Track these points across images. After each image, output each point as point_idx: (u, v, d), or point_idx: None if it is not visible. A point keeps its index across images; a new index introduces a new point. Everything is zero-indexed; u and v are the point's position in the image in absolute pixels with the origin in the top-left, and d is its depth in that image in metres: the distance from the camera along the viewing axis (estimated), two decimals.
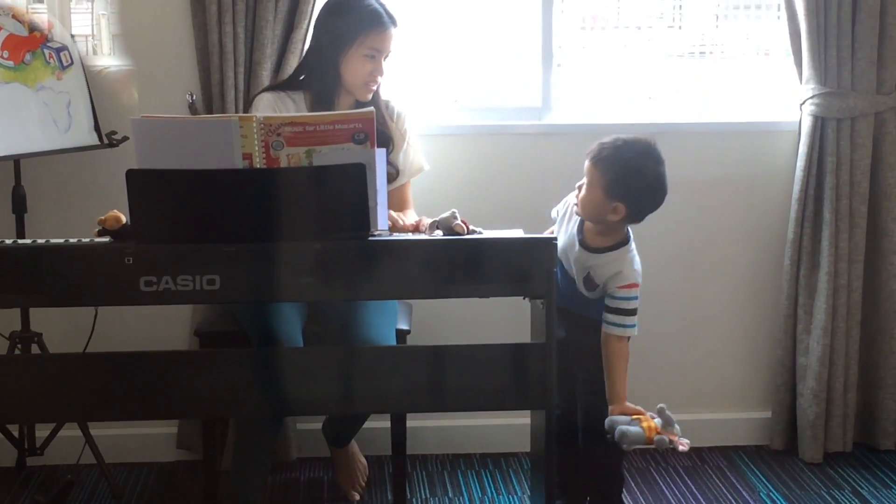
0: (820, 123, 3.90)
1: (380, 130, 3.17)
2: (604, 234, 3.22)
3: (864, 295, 4.02)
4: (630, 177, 3.14)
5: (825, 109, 3.87)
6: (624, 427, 3.02)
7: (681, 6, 4.71)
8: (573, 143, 3.98)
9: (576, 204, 3.23)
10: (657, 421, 3.02)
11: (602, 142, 3.19)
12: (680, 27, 4.72)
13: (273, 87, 3.59)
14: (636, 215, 3.20)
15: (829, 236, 3.92)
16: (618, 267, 3.19)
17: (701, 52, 4.71)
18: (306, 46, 3.67)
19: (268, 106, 3.47)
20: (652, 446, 3.00)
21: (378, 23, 3.45)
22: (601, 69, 4.42)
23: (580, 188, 3.21)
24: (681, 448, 3.01)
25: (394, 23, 3.49)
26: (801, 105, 3.93)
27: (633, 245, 3.24)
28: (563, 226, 3.34)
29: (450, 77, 4.15)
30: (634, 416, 3.05)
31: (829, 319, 3.94)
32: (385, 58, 3.49)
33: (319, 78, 3.50)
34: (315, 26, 3.56)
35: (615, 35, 4.57)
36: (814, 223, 3.96)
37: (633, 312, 3.19)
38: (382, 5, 3.50)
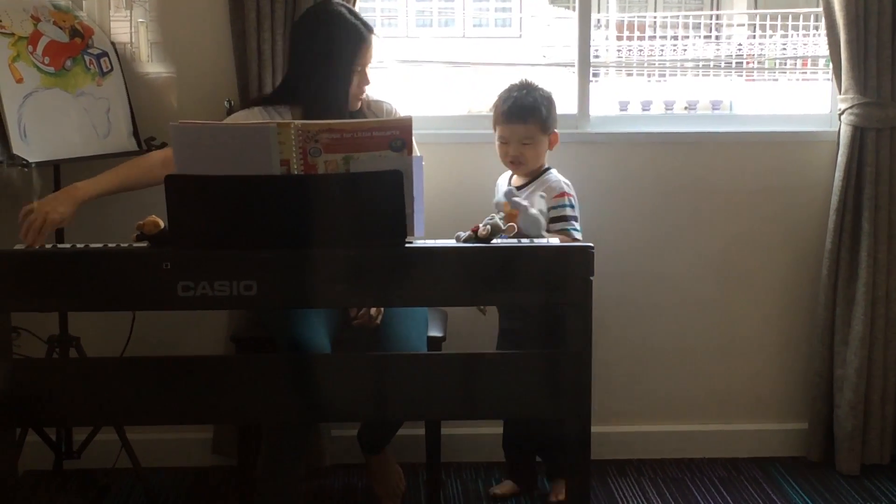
0: (859, 134, 3.88)
1: None
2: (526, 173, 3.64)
3: None
4: (549, 105, 3.61)
5: (864, 119, 3.85)
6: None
7: (718, 17, 4.70)
8: (610, 152, 4.00)
9: (521, 165, 3.58)
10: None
11: (509, 105, 3.57)
12: (717, 37, 4.71)
13: (260, 101, 3.57)
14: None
15: (868, 247, 3.89)
16: (548, 182, 3.58)
17: (738, 63, 4.70)
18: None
19: (249, 119, 3.43)
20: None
21: (359, 40, 3.43)
22: (638, 78, 4.42)
23: (519, 155, 3.56)
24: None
25: (371, 31, 3.48)
26: (841, 115, 3.90)
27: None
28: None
29: (486, 85, 4.16)
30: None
31: (866, 331, 3.92)
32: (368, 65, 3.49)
33: (318, 96, 3.45)
34: (294, 46, 3.54)
35: (652, 45, 4.56)
36: (852, 234, 3.93)
37: (575, 218, 3.57)
38: (357, 16, 3.48)
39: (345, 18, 3.44)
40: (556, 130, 3.63)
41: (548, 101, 3.61)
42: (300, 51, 3.50)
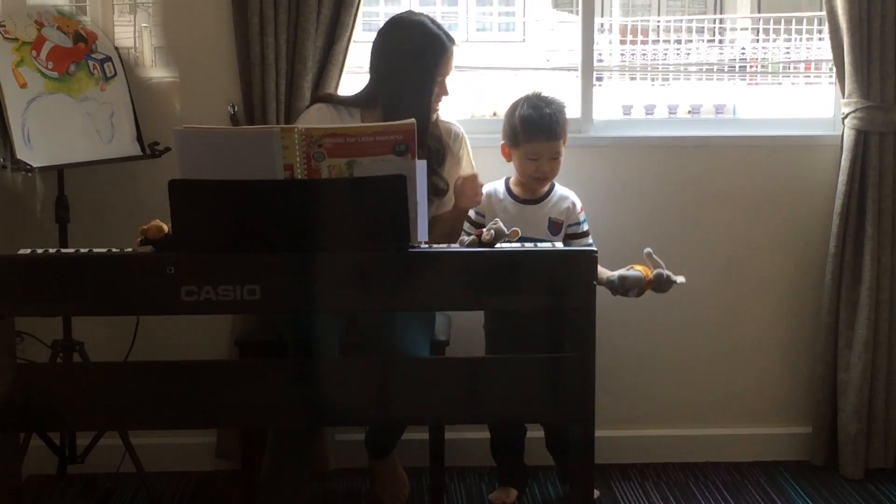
0: (862, 137, 3.88)
1: (437, 142, 3.55)
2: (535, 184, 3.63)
3: None
4: (566, 115, 3.62)
5: (868, 123, 3.85)
6: (622, 272, 3.26)
7: (721, 20, 4.70)
8: (613, 156, 4.00)
9: (546, 180, 3.60)
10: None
11: (545, 122, 3.53)
12: (720, 41, 4.71)
13: (332, 100, 3.63)
14: None
15: (871, 251, 3.89)
16: (567, 195, 3.64)
17: (742, 66, 4.70)
18: (347, 59, 3.72)
19: (322, 116, 3.53)
20: (651, 279, 3.23)
21: (442, 49, 3.52)
22: (641, 82, 4.42)
23: (549, 171, 3.57)
24: (679, 280, 3.22)
25: (453, 42, 3.56)
26: (844, 119, 3.90)
27: None
28: (497, 213, 3.60)
29: (489, 90, 4.15)
30: (627, 268, 3.28)
31: (870, 335, 3.91)
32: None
33: (399, 101, 3.50)
34: (376, 52, 3.58)
35: (655, 49, 4.57)
36: (856, 238, 3.93)
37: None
38: (439, 26, 3.56)
39: (428, 27, 3.52)
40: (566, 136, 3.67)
41: (565, 111, 3.64)
42: (383, 57, 3.56)
